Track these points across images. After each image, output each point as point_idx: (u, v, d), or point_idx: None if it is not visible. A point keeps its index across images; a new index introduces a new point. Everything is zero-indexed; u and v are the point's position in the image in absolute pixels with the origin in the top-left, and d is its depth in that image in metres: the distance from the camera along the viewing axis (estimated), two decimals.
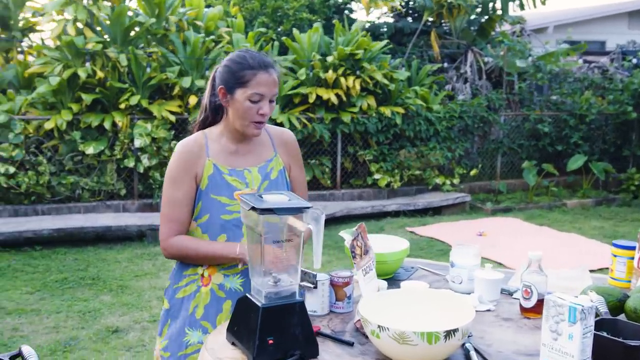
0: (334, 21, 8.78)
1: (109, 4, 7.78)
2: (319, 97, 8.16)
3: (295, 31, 8.64)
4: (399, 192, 8.70)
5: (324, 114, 8.22)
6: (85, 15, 7.28)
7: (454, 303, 1.79)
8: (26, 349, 1.62)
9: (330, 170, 8.55)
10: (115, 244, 6.73)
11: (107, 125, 7.15)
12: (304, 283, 1.90)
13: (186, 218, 2.10)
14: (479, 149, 9.72)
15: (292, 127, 7.99)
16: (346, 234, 1.86)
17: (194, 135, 2.20)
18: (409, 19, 12.01)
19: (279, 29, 9.79)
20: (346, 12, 11.72)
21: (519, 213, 8.35)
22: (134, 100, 7.22)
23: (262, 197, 1.67)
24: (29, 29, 8.40)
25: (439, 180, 8.77)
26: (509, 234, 7.19)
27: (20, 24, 8.35)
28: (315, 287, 1.91)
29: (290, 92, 8.11)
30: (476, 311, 2.04)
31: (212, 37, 8.19)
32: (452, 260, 2.26)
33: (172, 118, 7.39)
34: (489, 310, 2.06)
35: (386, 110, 8.39)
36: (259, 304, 1.65)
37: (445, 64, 10.36)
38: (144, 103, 7.35)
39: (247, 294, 1.74)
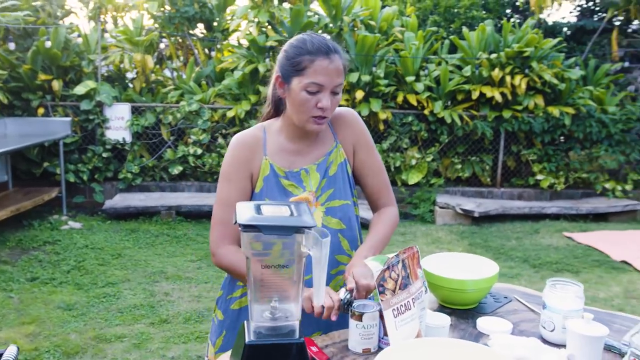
0: (502, 21, 7.80)
1: (289, 6, 7.65)
2: (482, 95, 7.32)
3: (464, 29, 7.83)
4: (562, 195, 7.54)
5: (487, 111, 7.37)
6: (266, 16, 7.23)
7: None
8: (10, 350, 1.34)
9: (490, 168, 7.66)
10: None
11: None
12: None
13: None
14: None
15: (454, 124, 7.28)
16: (374, 263, 1.31)
17: (252, 128, 1.77)
18: (595, 17, 10.43)
19: (450, 27, 9.00)
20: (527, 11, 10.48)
21: None
22: None
23: (260, 209, 1.20)
24: (228, 29, 8.62)
25: (608, 185, 7.45)
26: None
27: (222, 25, 8.61)
28: (346, 313, 1.41)
29: (454, 89, 7.37)
30: None
31: (384, 36, 7.74)
32: (545, 300, 1.59)
33: None
34: None
35: (554, 110, 7.28)
36: (246, 340, 1.20)
37: (628, 64, 8.77)
38: None
39: (245, 321, 1.29)
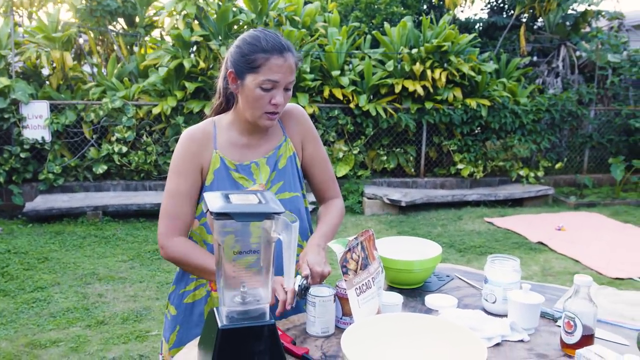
0: (421, 17, 8.10)
1: (216, 1, 7.57)
2: (405, 88, 7.58)
3: (385, 25, 8.06)
4: (481, 183, 7.96)
5: (410, 104, 7.64)
6: (194, 10, 7.12)
7: (463, 338, 1.27)
8: None
9: (414, 158, 7.96)
10: None
11: (207, 111, 6.97)
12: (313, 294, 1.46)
13: (189, 214, 1.68)
14: (568, 143, 8.72)
15: (379, 117, 7.49)
16: (337, 245, 1.38)
17: (202, 122, 1.77)
18: (504, 14, 11.02)
19: (372, 23, 9.23)
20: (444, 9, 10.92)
21: (604, 209, 7.35)
22: None
23: (228, 198, 1.24)
24: (151, 25, 8.40)
25: (522, 172, 7.93)
26: (590, 230, 6.29)
27: (145, 21, 8.38)
28: (303, 299, 1.47)
29: (377, 83, 7.58)
30: (506, 341, 1.52)
31: (308, 31, 7.82)
32: (486, 275, 1.72)
33: None
34: (521, 341, 1.52)
35: (472, 102, 7.65)
36: (219, 325, 1.23)
37: (536, 58, 9.36)
38: None
39: (214, 308, 1.32)
